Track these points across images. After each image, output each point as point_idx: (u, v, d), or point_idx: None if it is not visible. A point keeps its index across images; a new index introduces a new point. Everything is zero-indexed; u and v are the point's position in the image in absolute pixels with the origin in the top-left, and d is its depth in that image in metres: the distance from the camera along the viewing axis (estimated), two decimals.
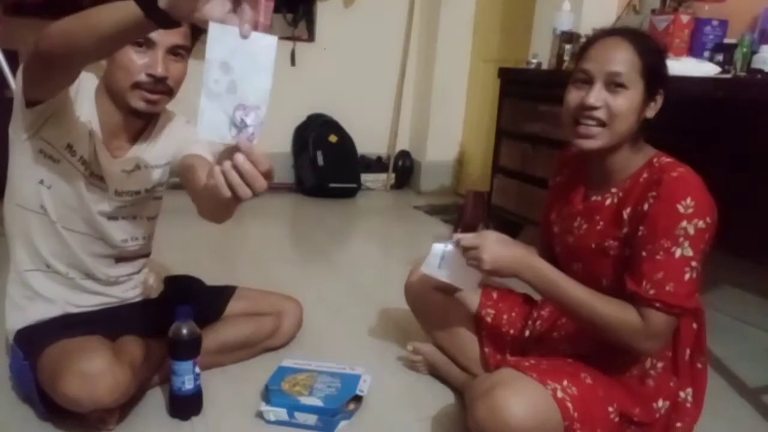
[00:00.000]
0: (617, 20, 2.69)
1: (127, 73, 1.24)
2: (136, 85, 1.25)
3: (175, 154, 1.43)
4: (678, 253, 1.09)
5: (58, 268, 1.38)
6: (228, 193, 0.85)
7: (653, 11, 2.43)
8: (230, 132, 0.83)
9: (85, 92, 1.31)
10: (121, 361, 1.27)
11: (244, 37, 0.80)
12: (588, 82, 1.16)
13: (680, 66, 1.97)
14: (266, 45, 0.82)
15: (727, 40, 2.20)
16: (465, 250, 1.25)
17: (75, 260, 1.39)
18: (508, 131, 2.80)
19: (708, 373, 1.30)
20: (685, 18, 2.26)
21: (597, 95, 1.14)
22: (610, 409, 1.16)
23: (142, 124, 1.40)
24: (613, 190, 1.23)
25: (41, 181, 1.30)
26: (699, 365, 1.27)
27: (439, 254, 1.35)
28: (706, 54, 2.20)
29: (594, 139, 1.17)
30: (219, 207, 1.16)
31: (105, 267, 1.44)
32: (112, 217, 1.40)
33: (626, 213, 1.18)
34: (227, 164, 0.84)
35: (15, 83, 1.23)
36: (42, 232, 1.35)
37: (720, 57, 2.09)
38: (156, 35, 1.21)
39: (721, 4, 2.27)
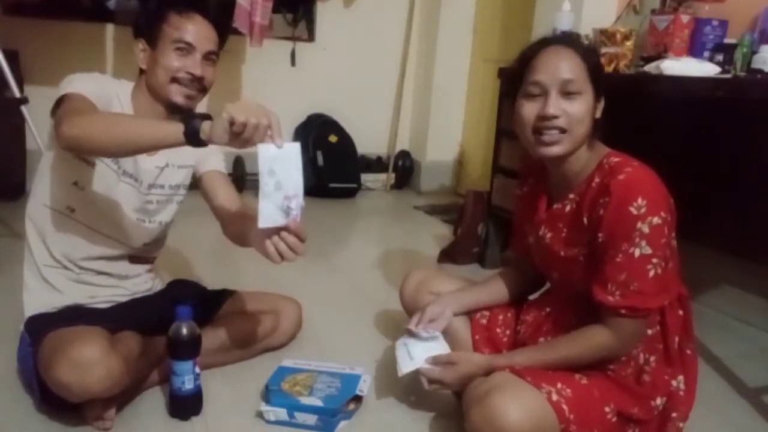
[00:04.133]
0: (617, 20, 2.69)
1: (167, 72, 1.40)
2: (175, 80, 1.40)
3: (198, 160, 1.57)
4: (637, 252, 1.11)
5: (75, 267, 1.44)
6: (279, 260, 1.19)
7: (653, 11, 2.43)
8: (282, 218, 1.14)
9: (118, 100, 1.41)
10: (116, 352, 1.28)
11: (279, 147, 1.12)
12: (541, 93, 1.19)
13: (680, 66, 1.97)
14: (294, 149, 1.13)
15: (727, 40, 2.19)
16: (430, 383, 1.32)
17: (93, 261, 1.46)
18: (508, 131, 2.78)
19: (698, 360, 1.31)
20: (685, 18, 2.26)
21: (555, 104, 1.17)
22: (607, 409, 1.16)
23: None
24: (571, 195, 1.25)
25: (75, 183, 1.39)
26: (688, 351, 1.28)
27: (405, 351, 1.38)
28: (706, 54, 2.19)
29: (558, 145, 1.19)
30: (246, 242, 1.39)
31: (120, 268, 1.51)
32: (140, 218, 1.50)
33: (585, 219, 1.19)
34: (275, 238, 1.18)
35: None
36: (64, 233, 1.42)
37: (720, 57, 2.09)
38: (195, 42, 1.40)
39: (721, 4, 2.27)
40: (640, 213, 1.09)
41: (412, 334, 1.41)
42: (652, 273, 1.11)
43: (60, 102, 1.27)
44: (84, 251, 1.44)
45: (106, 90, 1.37)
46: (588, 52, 1.21)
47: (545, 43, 1.22)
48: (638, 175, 1.13)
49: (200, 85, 1.43)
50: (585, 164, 1.23)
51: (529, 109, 1.20)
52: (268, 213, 1.13)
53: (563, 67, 1.17)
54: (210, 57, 1.44)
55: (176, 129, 1.14)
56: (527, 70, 1.21)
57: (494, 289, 1.50)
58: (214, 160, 1.59)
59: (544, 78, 1.18)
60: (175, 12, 1.40)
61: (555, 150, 1.19)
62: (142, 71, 1.45)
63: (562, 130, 1.18)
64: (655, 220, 1.10)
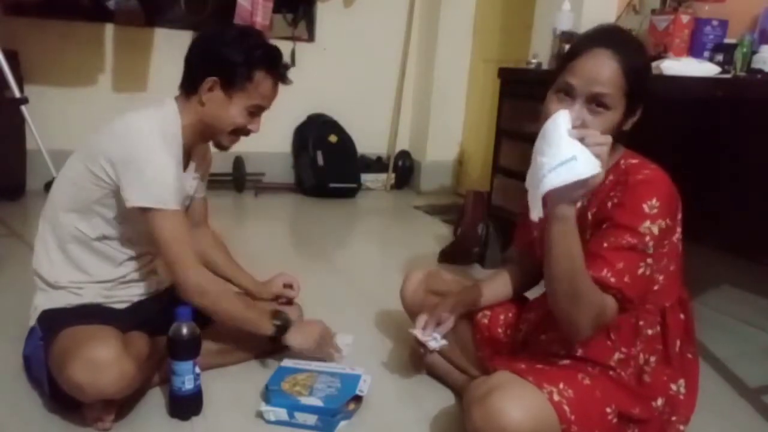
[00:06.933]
0: (617, 20, 2.69)
1: (232, 124, 1.46)
2: (234, 132, 1.48)
3: (203, 174, 1.64)
4: (639, 248, 1.11)
5: (98, 282, 1.44)
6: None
7: (653, 11, 2.43)
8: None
9: (173, 137, 1.42)
10: (129, 353, 1.29)
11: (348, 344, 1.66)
12: (570, 96, 1.12)
13: (680, 66, 1.97)
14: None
15: (727, 40, 2.20)
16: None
17: (117, 277, 1.46)
18: (508, 131, 2.79)
19: (699, 365, 1.31)
20: (685, 18, 2.26)
21: (577, 114, 1.09)
22: (608, 410, 1.16)
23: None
24: None
25: (115, 217, 1.40)
26: (689, 356, 1.27)
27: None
28: (706, 54, 2.20)
29: None
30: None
31: (142, 275, 1.53)
32: None
33: (591, 214, 1.19)
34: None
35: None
36: (95, 257, 1.43)
37: (720, 57, 2.09)
38: (267, 106, 1.50)
39: (721, 4, 2.27)
40: (652, 213, 1.10)
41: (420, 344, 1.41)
42: (641, 271, 1.12)
43: (158, 216, 1.31)
44: (111, 273, 1.45)
45: (169, 148, 1.38)
46: (634, 68, 1.11)
47: (596, 42, 1.13)
48: (657, 178, 1.14)
49: (248, 135, 1.51)
50: None
51: (554, 107, 1.12)
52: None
53: (600, 78, 1.09)
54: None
55: (267, 330, 1.49)
56: (568, 65, 1.14)
57: (497, 285, 1.49)
58: (202, 187, 1.66)
59: (576, 82, 1.11)
60: (269, 76, 1.45)
61: None
62: (190, 94, 1.44)
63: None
64: (663, 224, 1.11)
